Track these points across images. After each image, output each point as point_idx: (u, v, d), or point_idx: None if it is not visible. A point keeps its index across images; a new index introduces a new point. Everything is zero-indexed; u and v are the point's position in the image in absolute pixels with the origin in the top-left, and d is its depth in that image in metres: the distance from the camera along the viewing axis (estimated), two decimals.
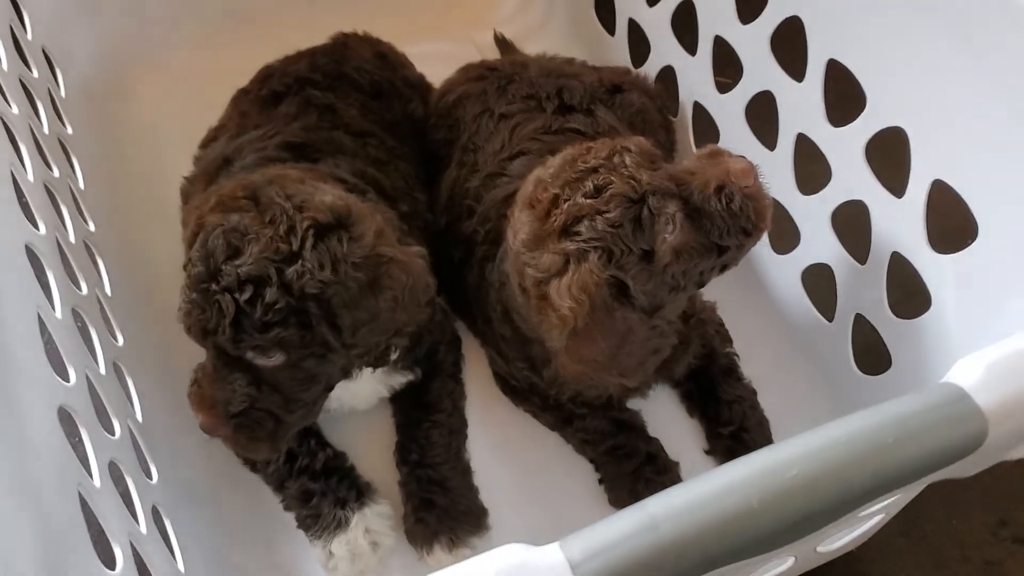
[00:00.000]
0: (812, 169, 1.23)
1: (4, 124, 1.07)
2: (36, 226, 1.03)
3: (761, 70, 1.26)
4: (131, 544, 0.89)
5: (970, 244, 1.00)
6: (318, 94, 1.31)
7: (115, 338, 1.18)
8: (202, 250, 0.91)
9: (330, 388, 1.04)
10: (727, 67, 1.35)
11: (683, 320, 1.11)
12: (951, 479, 0.69)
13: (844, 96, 1.16)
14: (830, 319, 1.25)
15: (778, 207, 1.28)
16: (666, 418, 1.25)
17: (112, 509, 0.88)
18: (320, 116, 1.28)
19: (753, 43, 1.26)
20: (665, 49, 1.47)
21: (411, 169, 1.32)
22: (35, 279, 0.95)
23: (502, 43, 1.67)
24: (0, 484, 0.70)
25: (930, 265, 1.06)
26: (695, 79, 1.42)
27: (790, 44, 1.22)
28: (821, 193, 1.21)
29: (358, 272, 0.94)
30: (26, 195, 1.05)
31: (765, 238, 1.31)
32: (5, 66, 1.20)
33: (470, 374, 1.28)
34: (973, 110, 0.97)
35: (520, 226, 0.97)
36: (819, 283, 1.27)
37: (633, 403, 1.23)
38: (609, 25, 1.61)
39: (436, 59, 1.51)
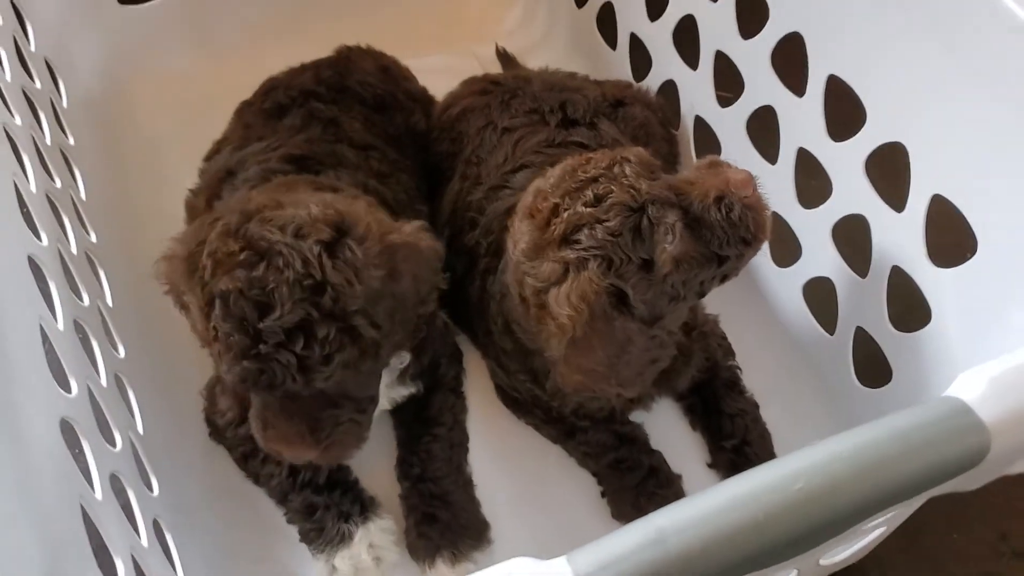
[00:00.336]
0: (813, 183, 1.24)
1: (7, 134, 1.07)
2: (38, 237, 1.03)
3: (762, 85, 1.27)
4: (132, 557, 0.88)
5: (970, 258, 1.00)
6: (322, 107, 1.31)
7: (116, 350, 1.18)
8: (231, 320, 0.88)
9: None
10: (728, 82, 1.35)
11: (685, 333, 1.12)
12: (952, 493, 0.69)
13: (844, 111, 1.16)
14: (831, 332, 1.25)
15: (779, 221, 1.28)
16: (668, 431, 1.25)
17: (113, 521, 0.88)
18: (324, 129, 1.28)
19: (754, 58, 1.27)
20: (666, 63, 1.47)
21: (413, 182, 1.32)
22: (37, 290, 0.95)
23: (504, 57, 1.68)
24: (1, 495, 0.69)
25: (930, 279, 1.07)
26: (696, 93, 1.42)
27: (791, 59, 1.22)
28: (822, 207, 1.22)
29: (378, 270, 0.93)
30: (28, 206, 1.05)
31: (766, 250, 1.31)
32: (8, 76, 1.20)
33: (471, 387, 1.28)
34: (972, 124, 0.97)
35: (520, 236, 0.97)
36: (820, 296, 1.27)
37: (635, 416, 1.23)
38: (611, 39, 1.62)
39: (438, 72, 1.51)
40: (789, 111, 1.23)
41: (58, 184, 1.22)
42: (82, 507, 0.81)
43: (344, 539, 1.11)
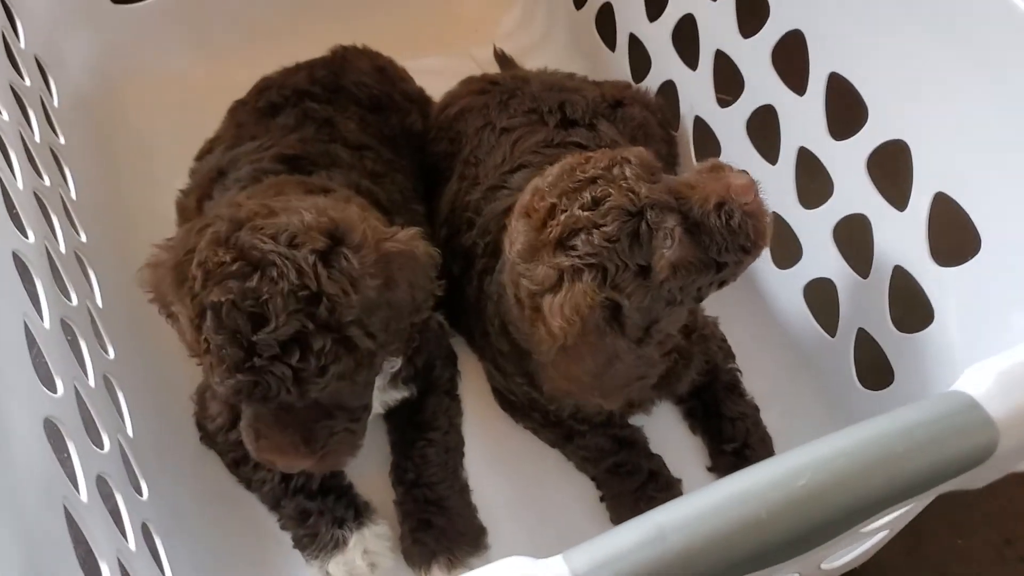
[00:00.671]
0: (813, 183, 1.22)
1: None
2: (24, 234, 1.01)
3: (762, 84, 1.26)
4: (119, 562, 0.87)
5: (973, 257, 0.98)
6: (316, 107, 1.30)
7: (106, 351, 1.16)
8: (223, 332, 0.85)
9: None
10: (727, 82, 1.34)
11: (685, 336, 1.10)
12: (956, 496, 0.67)
13: (846, 109, 1.15)
14: (832, 334, 1.24)
15: (779, 221, 1.27)
16: (668, 435, 1.24)
17: (100, 525, 0.86)
18: (318, 129, 1.27)
19: (754, 57, 1.25)
20: (666, 64, 1.46)
21: (408, 182, 1.30)
22: (21, 286, 0.93)
23: (502, 58, 1.67)
24: None
25: (933, 279, 1.05)
26: (696, 93, 1.41)
27: (791, 58, 1.21)
28: (823, 207, 1.20)
29: (374, 280, 0.92)
30: (15, 202, 1.03)
31: (766, 253, 1.28)
32: None
33: (467, 389, 1.26)
34: (976, 121, 0.95)
35: (516, 235, 0.95)
36: (821, 298, 1.26)
37: (634, 419, 1.21)
38: (609, 40, 1.61)
39: (436, 74, 1.50)
40: (790, 110, 1.22)
41: (47, 182, 1.20)
42: (67, 509, 0.79)
43: (338, 545, 1.09)
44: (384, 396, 1.16)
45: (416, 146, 1.39)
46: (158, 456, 1.14)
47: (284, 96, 1.32)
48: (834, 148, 1.16)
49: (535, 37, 1.75)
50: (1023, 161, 0.91)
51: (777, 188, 1.26)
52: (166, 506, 1.09)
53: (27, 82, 1.32)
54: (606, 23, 1.61)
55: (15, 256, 0.95)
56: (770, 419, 1.23)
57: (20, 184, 1.07)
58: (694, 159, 1.45)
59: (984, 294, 0.98)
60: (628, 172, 0.91)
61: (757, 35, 1.24)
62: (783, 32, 1.19)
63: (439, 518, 1.13)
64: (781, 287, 1.33)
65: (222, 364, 0.86)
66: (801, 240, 1.26)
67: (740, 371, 1.26)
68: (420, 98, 1.47)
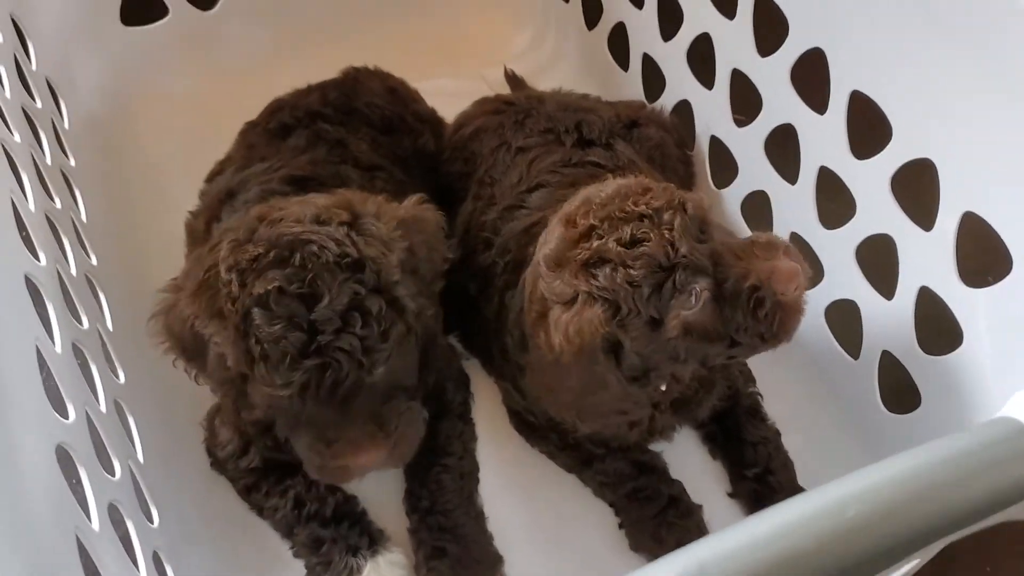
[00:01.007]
0: (833, 203, 1.21)
1: (5, 151, 1.04)
2: (36, 257, 1.00)
3: (781, 103, 1.24)
4: None
5: (1005, 278, 0.96)
6: (328, 128, 1.29)
7: (116, 375, 1.14)
8: (279, 321, 0.84)
9: None
10: (744, 101, 1.32)
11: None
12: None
13: (868, 128, 1.13)
14: (855, 356, 1.22)
15: (800, 242, 1.25)
16: (688, 460, 1.22)
17: (111, 554, 0.84)
18: (330, 150, 1.26)
19: (773, 76, 1.24)
20: (680, 83, 1.45)
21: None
22: (34, 311, 0.92)
23: (513, 79, 1.65)
24: None
25: (961, 300, 1.03)
26: (712, 113, 1.39)
27: (811, 76, 1.19)
28: (845, 227, 1.18)
29: (402, 241, 0.93)
30: (27, 225, 1.02)
31: None
32: (8, 94, 1.18)
33: (482, 414, 1.25)
34: (1006, 138, 0.93)
35: (550, 238, 0.96)
36: (844, 320, 1.24)
37: (655, 445, 1.19)
38: (622, 60, 1.59)
39: (447, 96, 1.49)
40: (810, 129, 1.20)
41: (58, 205, 1.19)
42: (78, 538, 0.77)
43: (352, 573, 1.07)
44: None
45: (429, 167, 1.38)
46: (168, 482, 1.12)
47: (296, 117, 1.31)
48: (857, 167, 1.14)
49: (546, 58, 1.74)
50: None
51: (797, 208, 1.25)
52: (177, 533, 1.07)
53: (38, 104, 1.31)
54: (618, 43, 1.60)
55: (27, 280, 0.93)
56: (791, 443, 1.21)
57: (32, 206, 1.05)
58: (710, 179, 1.43)
59: (1016, 315, 0.96)
60: (677, 222, 0.90)
61: (776, 53, 1.22)
62: (803, 50, 1.18)
63: (454, 546, 1.10)
64: None
65: (284, 358, 0.85)
66: (822, 261, 1.24)
67: (761, 395, 1.24)
68: (432, 119, 1.46)
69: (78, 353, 1.01)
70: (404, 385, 0.96)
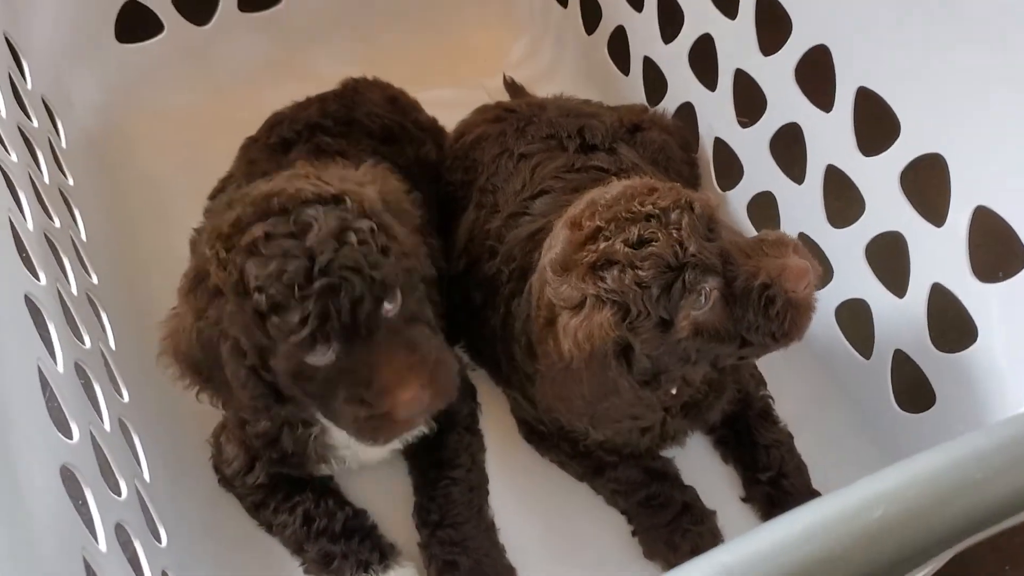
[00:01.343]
0: (840, 201, 1.20)
1: (2, 171, 1.03)
2: (36, 276, 0.98)
3: (786, 102, 1.23)
4: None
5: (1020, 272, 0.95)
6: (329, 140, 1.28)
7: (120, 394, 1.13)
8: (275, 257, 0.84)
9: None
10: (748, 102, 1.31)
11: (716, 368, 1.06)
12: None
13: (875, 124, 1.12)
14: (867, 356, 1.20)
15: (808, 242, 1.24)
16: (699, 465, 1.20)
17: (119, 575, 0.82)
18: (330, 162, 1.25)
19: (777, 75, 1.23)
20: (683, 86, 1.44)
21: (423, 213, 1.28)
22: (35, 331, 0.90)
23: (512, 87, 1.65)
24: None
25: (975, 296, 1.02)
26: (715, 114, 1.38)
27: (816, 74, 1.18)
28: (854, 226, 1.17)
29: (372, 185, 0.96)
30: (25, 244, 1.01)
31: None
32: (3, 113, 1.17)
33: (490, 424, 1.23)
34: (1018, 129, 0.92)
35: (555, 242, 0.95)
36: (854, 319, 1.23)
37: (666, 451, 1.18)
38: (622, 64, 1.59)
39: (447, 106, 1.48)
40: (816, 128, 1.19)
41: (57, 224, 1.17)
42: (85, 560, 0.75)
43: None
44: None
45: (431, 176, 1.37)
46: (175, 501, 1.11)
47: (296, 131, 1.30)
48: (865, 165, 1.13)
49: (546, 65, 1.73)
50: None
51: (804, 207, 1.24)
52: (186, 553, 1.06)
53: (35, 123, 1.30)
54: (618, 47, 1.59)
55: (27, 299, 0.92)
56: (804, 446, 1.19)
57: (30, 226, 1.04)
58: (715, 181, 1.42)
59: None
60: (685, 221, 0.89)
61: (779, 52, 1.21)
62: (807, 48, 1.17)
63: (466, 559, 1.09)
64: None
65: (291, 290, 0.83)
66: (832, 260, 1.22)
67: (772, 398, 1.22)
68: (433, 128, 1.45)
69: (81, 372, 1.00)
70: (421, 316, 0.94)
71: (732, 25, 1.29)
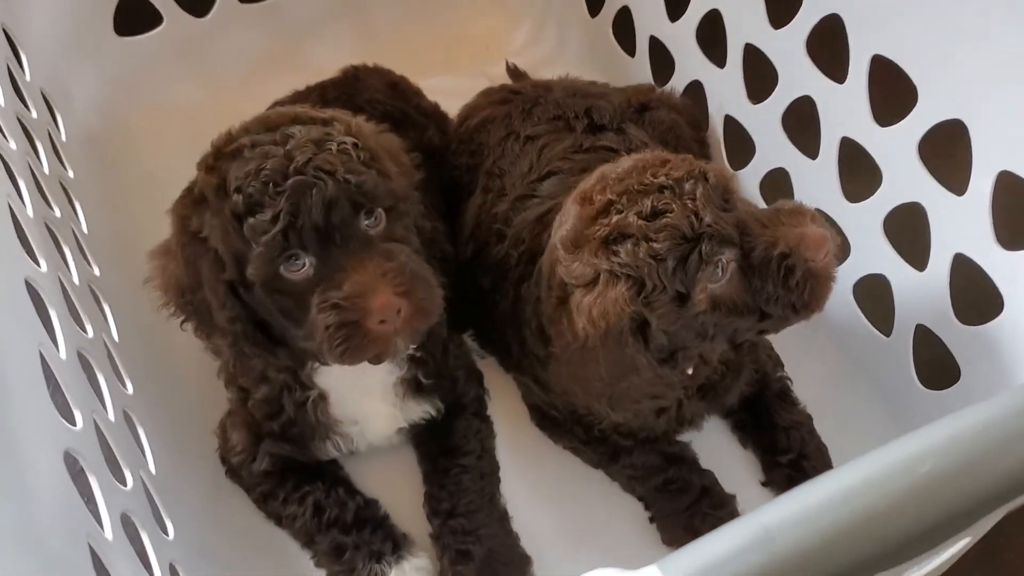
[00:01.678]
0: (858, 174, 1.17)
1: (1, 158, 1.01)
2: (36, 262, 0.96)
3: (798, 75, 1.21)
4: None
5: None
6: None
7: (124, 385, 1.11)
8: (253, 161, 0.85)
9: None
10: (759, 77, 1.29)
11: (735, 347, 1.04)
12: None
13: (890, 93, 1.10)
14: (887, 333, 1.18)
15: (825, 218, 1.19)
16: (717, 449, 1.18)
17: (126, 564, 0.80)
18: None
19: (788, 48, 1.21)
20: (690, 64, 1.41)
21: (428, 199, 1.25)
22: (36, 316, 0.88)
23: (515, 73, 1.62)
24: (2, 531, 0.61)
25: (1000, 264, 1.00)
26: (725, 92, 1.36)
27: (828, 44, 1.16)
28: (871, 199, 1.15)
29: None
30: (25, 231, 0.98)
31: None
32: (2, 101, 1.15)
33: (500, 412, 1.21)
34: None
35: (566, 219, 0.93)
36: (873, 296, 1.20)
37: (683, 435, 1.15)
38: (628, 46, 1.56)
39: (450, 94, 1.45)
40: (830, 100, 1.17)
41: (57, 214, 1.15)
42: (91, 548, 0.73)
43: None
44: (406, 408, 1.10)
45: (435, 162, 1.34)
46: (182, 494, 1.09)
47: None
48: (881, 135, 1.10)
49: (549, 50, 1.71)
50: None
51: (820, 182, 1.22)
52: (194, 546, 1.04)
53: (34, 115, 1.28)
54: (623, 28, 1.57)
55: (28, 284, 0.90)
56: (824, 428, 1.17)
57: (30, 212, 1.02)
58: (726, 160, 1.40)
59: None
60: (700, 191, 0.87)
61: (790, 24, 1.19)
62: (819, 18, 1.15)
63: (479, 548, 1.07)
64: None
65: (265, 186, 0.84)
66: (848, 236, 1.20)
67: (790, 379, 1.20)
68: (436, 113, 1.43)
69: (83, 361, 0.98)
70: (404, 239, 0.93)
71: None
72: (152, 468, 1.06)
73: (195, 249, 0.89)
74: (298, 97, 1.34)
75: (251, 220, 0.84)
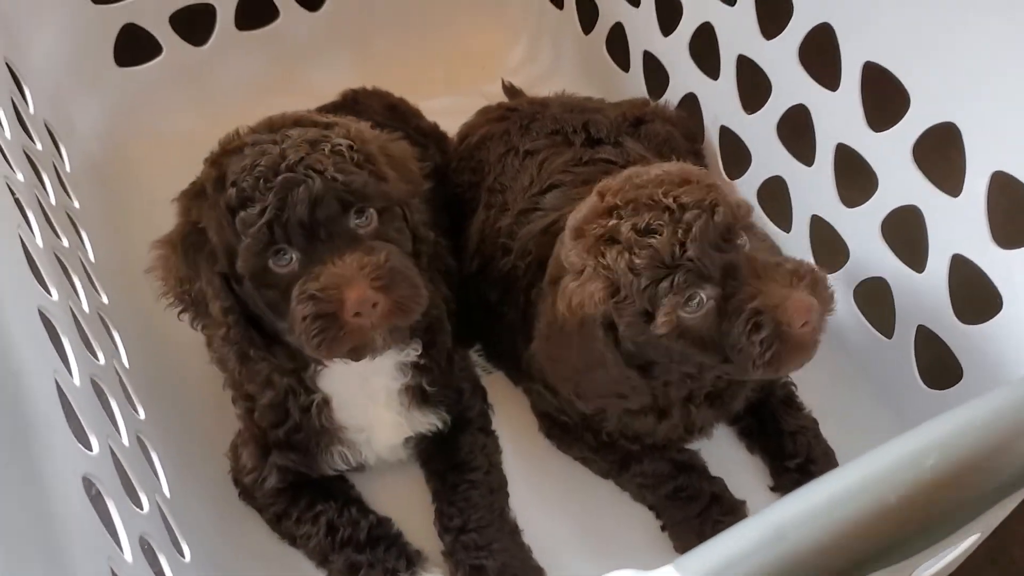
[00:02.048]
0: (855, 179, 1.18)
1: (9, 188, 1.02)
2: (48, 291, 0.97)
3: (791, 84, 1.22)
4: None
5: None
6: None
7: (136, 411, 1.12)
8: (250, 158, 0.89)
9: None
10: (753, 87, 1.31)
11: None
12: None
13: (883, 99, 1.11)
14: (889, 335, 1.19)
15: (821, 224, 1.23)
16: (725, 457, 1.18)
17: None
18: None
19: (780, 57, 1.22)
20: (685, 77, 1.43)
21: (430, 215, 1.26)
22: (49, 342, 0.89)
23: (511, 91, 1.64)
24: (24, 550, 0.62)
25: (998, 263, 1.00)
26: (720, 103, 1.38)
27: (820, 53, 1.18)
28: (867, 203, 1.16)
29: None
30: (36, 261, 0.99)
31: (810, 257, 1.26)
32: (8, 134, 1.16)
33: (507, 424, 1.22)
34: None
35: (583, 207, 0.96)
36: (873, 299, 1.21)
37: (693, 443, 1.16)
38: (622, 61, 1.58)
39: (447, 114, 1.47)
40: (824, 107, 1.18)
41: (65, 243, 1.16)
42: (112, 570, 0.74)
43: None
44: (411, 417, 1.11)
45: (436, 181, 1.35)
46: (196, 517, 1.09)
47: None
48: (875, 140, 1.12)
49: (545, 67, 1.73)
50: None
51: (816, 189, 1.23)
52: (210, 568, 1.04)
53: (39, 146, 1.29)
54: (617, 44, 1.59)
55: (41, 314, 0.91)
56: (828, 432, 1.18)
57: (39, 242, 1.03)
58: (722, 170, 1.42)
59: None
60: (698, 224, 0.88)
61: (782, 34, 1.21)
62: (810, 27, 1.16)
63: (493, 562, 1.07)
64: None
65: (256, 182, 0.87)
66: (846, 241, 1.21)
67: (795, 384, 1.21)
68: (435, 133, 1.45)
69: (97, 388, 0.99)
70: (393, 239, 0.94)
71: (732, 11, 1.29)
72: (167, 492, 1.06)
73: (194, 240, 0.93)
74: None
75: (242, 213, 0.88)
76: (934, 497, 0.51)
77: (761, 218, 1.34)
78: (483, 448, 1.17)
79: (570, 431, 1.17)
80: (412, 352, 1.06)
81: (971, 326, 1.06)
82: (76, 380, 0.91)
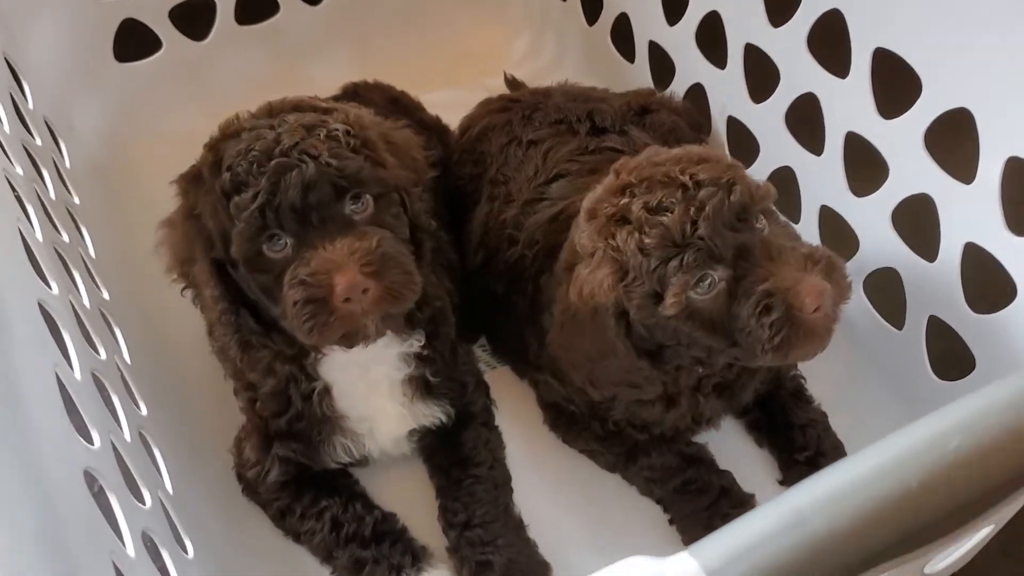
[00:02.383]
0: (864, 169, 1.17)
1: (8, 181, 1.01)
2: (48, 285, 0.96)
3: (800, 72, 1.21)
4: None
5: None
6: None
7: (138, 407, 1.11)
8: (245, 142, 0.89)
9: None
10: (760, 77, 1.29)
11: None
12: None
13: (893, 86, 1.10)
14: (899, 327, 1.18)
15: (832, 214, 1.22)
16: (733, 451, 1.17)
17: None
18: None
19: (789, 45, 1.21)
20: (691, 67, 1.42)
21: (433, 209, 1.25)
22: (50, 337, 0.88)
23: (514, 84, 1.62)
24: (23, 542, 0.61)
25: (1012, 250, 0.99)
26: (727, 93, 1.37)
27: (829, 40, 1.16)
28: (878, 192, 1.15)
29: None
30: (35, 254, 0.99)
31: None
32: (7, 128, 1.15)
33: (511, 419, 1.21)
34: None
35: (599, 187, 0.95)
36: (884, 290, 1.20)
37: (700, 435, 1.15)
38: (627, 52, 1.57)
39: (450, 108, 1.46)
40: (833, 95, 1.17)
41: (65, 239, 1.15)
42: (115, 565, 0.72)
43: None
44: (415, 409, 1.10)
45: (438, 174, 1.34)
46: (199, 513, 1.09)
47: None
48: (886, 128, 1.11)
49: (548, 60, 1.72)
50: None
51: (825, 179, 1.22)
52: (212, 565, 1.03)
53: (38, 142, 1.28)
54: (622, 35, 1.57)
55: (40, 307, 0.90)
56: (838, 425, 1.16)
57: (39, 236, 1.02)
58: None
59: None
60: (712, 202, 0.86)
61: (790, 21, 1.19)
62: (819, 13, 1.15)
63: (499, 557, 1.06)
64: None
65: (251, 165, 0.87)
66: (856, 231, 1.20)
67: (804, 377, 1.19)
68: (437, 127, 1.44)
69: (98, 383, 0.98)
70: (389, 226, 0.93)
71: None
72: (169, 488, 1.05)
73: (191, 225, 0.93)
74: None
75: (236, 198, 0.87)
76: (958, 481, 0.50)
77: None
78: (487, 443, 1.16)
79: (577, 421, 1.16)
80: (415, 342, 1.05)
81: (984, 315, 1.04)
82: (77, 374, 0.91)
